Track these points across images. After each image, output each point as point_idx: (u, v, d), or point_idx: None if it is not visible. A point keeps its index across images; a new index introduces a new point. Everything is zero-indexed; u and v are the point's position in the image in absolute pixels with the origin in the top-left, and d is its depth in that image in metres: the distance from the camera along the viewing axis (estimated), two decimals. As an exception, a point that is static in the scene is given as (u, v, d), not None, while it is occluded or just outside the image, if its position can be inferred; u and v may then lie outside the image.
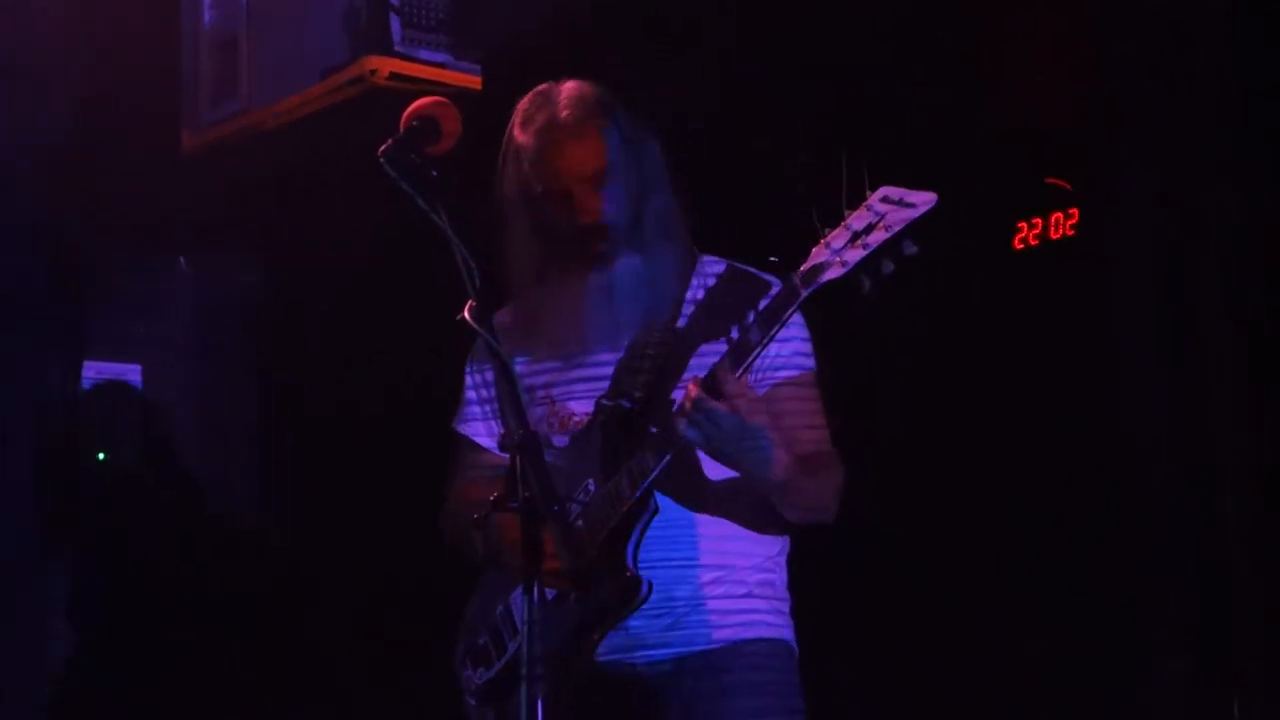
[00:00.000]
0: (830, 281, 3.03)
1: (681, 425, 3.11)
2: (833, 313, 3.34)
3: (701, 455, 3.27)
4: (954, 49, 4.77)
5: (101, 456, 6.33)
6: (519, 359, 3.44)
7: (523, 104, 3.46)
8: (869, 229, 3.00)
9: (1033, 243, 4.72)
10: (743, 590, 3.37)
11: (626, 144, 3.39)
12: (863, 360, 4.66)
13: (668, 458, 3.17)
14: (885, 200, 3.00)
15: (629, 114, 3.44)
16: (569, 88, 3.43)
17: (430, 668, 3.76)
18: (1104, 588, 4.49)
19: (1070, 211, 4.65)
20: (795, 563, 3.53)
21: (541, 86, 3.46)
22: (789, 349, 3.37)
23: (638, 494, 3.19)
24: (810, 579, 3.58)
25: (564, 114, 3.39)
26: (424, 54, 5.47)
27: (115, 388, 6.39)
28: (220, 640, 6.24)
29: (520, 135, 3.43)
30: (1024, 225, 4.74)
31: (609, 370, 3.39)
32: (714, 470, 3.30)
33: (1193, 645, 4.32)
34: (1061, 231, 4.67)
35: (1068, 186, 4.65)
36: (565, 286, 3.42)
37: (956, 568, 4.71)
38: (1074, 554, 4.52)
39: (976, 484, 4.71)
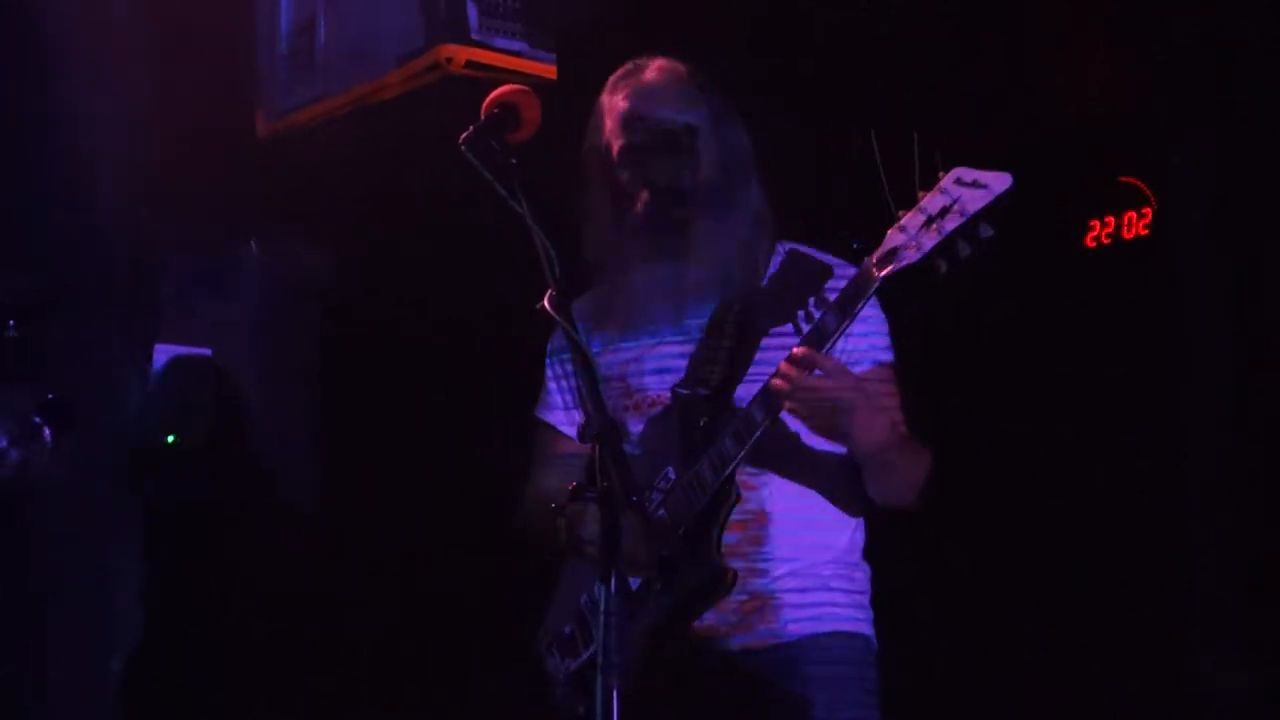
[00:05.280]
0: (906, 266, 3.00)
1: (778, 386, 3.09)
2: (894, 305, 3.34)
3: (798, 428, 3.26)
4: (1030, 43, 4.76)
5: (171, 439, 6.38)
6: (595, 340, 3.45)
7: (614, 75, 3.48)
8: (943, 212, 2.96)
9: (1105, 241, 4.71)
10: (818, 583, 3.35)
11: (715, 119, 3.39)
12: (929, 352, 4.66)
13: (748, 446, 3.17)
14: (959, 182, 2.96)
15: (723, 98, 3.43)
16: (662, 59, 3.46)
17: (494, 647, 3.76)
18: (1152, 589, 4.49)
19: (1144, 211, 4.63)
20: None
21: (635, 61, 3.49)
22: (866, 340, 3.36)
23: (720, 481, 3.19)
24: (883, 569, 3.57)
25: (653, 76, 3.43)
26: (500, 42, 5.47)
27: (186, 371, 6.43)
28: (286, 620, 6.29)
29: (608, 97, 3.46)
30: (1096, 224, 4.73)
31: (683, 357, 3.38)
32: (810, 440, 3.29)
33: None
34: (1134, 231, 4.66)
35: (1142, 185, 4.64)
36: (641, 256, 3.40)
37: (1015, 560, 4.72)
38: (1126, 551, 4.52)
39: (1037, 477, 4.71)
